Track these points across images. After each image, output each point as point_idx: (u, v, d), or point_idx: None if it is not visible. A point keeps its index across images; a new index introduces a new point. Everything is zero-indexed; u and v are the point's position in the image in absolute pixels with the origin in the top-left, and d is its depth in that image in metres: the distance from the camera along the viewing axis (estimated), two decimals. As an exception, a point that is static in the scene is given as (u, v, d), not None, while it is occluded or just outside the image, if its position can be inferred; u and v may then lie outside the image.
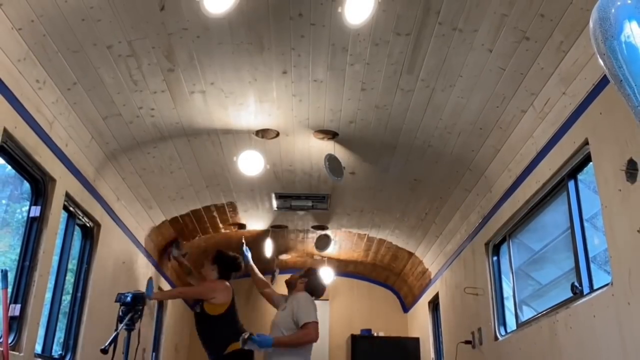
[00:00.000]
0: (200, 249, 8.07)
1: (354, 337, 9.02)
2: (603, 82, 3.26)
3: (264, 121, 4.88)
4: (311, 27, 3.70)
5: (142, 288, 6.20)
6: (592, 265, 3.79)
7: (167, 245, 7.17)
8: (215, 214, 7.01)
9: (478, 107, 4.39)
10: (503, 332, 5.32)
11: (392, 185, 6.18)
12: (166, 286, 7.81)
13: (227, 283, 5.56)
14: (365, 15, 3.41)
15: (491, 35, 3.62)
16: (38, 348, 4.13)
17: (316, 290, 5.22)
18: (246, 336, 4.56)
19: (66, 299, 4.80)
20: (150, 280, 6.56)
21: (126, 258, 5.94)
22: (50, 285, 4.33)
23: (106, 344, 3.71)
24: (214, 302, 5.35)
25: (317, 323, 4.84)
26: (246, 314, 10.03)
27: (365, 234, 7.94)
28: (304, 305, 4.92)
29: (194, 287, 6.63)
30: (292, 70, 4.14)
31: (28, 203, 4.06)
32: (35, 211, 3.99)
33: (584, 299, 3.67)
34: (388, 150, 5.33)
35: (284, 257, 9.16)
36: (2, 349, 3.39)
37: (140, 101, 4.36)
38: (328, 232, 7.96)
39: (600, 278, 3.75)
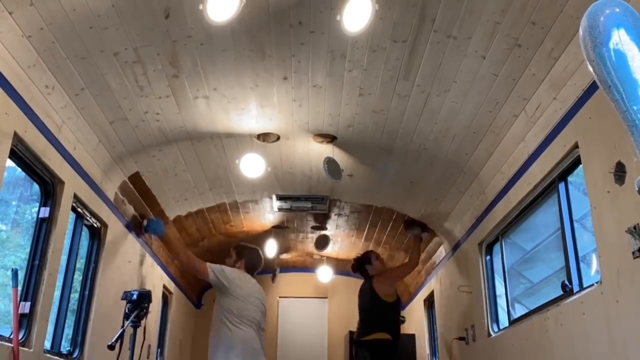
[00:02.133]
0: (203, 249, 8.07)
1: (352, 334, 9.00)
2: (592, 88, 3.26)
3: (265, 125, 4.88)
4: (311, 35, 3.70)
5: (148, 286, 6.19)
6: (581, 265, 3.79)
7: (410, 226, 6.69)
8: (218, 214, 7.01)
9: (472, 111, 4.39)
10: (496, 329, 5.31)
11: (388, 187, 6.18)
12: (167, 280, 7.80)
13: None
14: (363, 23, 3.41)
15: (484, 42, 3.62)
16: (47, 344, 4.12)
17: (255, 266, 5.01)
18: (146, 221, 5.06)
19: (74, 296, 4.80)
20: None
21: (132, 257, 5.93)
22: (59, 283, 4.32)
23: (113, 340, 3.71)
24: (392, 291, 5.81)
25: (206, 270, 4.63)
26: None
27: (362, 234, 7.94)
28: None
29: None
30: (292, 76, 4.14)
31: (37, 204, 4.05)
32: (45, 212, 3.98)
33: (573, 297, 3.66)
34: (385, 154, 5.33)
35: (284, 256, 9.16)
36: (12, 345, 3.39)
37: (145, 106, 4.36)
38: (327, 232, 7.96)
39: (589, 277, 3.75)
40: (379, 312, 5.75)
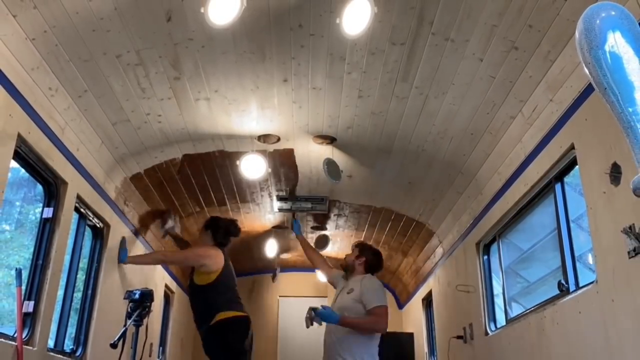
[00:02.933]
0: (205, 249, 8.06)
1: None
2: (588, 90, 3.26)
3: (265, 127, 4.88)
4: (310, 38, 3.70)
5: (150, 286, 6.18)
6: (577, 264, 3.79)
7: (158, 217, 5.98)
8: (218, 214, 6.99)
9: (469, 113, 4.39)
10: (493, 328, 5.31)
11: (387, 188, 6.18)
12: (169, 280, 7.78)
13: (220, 249, 4.94)
14: (362, 26, 3.41)
15: (482, 45, 3.62)
16: (50, 343, 4.11)
17: (377, 266, 4.56)
18: (311, 313, 3.99)
19: (77, 296, 4.80)
20: (123, 240, 5.27)
21: (134, 257, 5.91)
22: (62, 283, 4.32)
23: (115, 339, 3.70)
24: (203, 270, 4.71)
25: (387, 308, 4.15)
26: (248, 311, 10.06)
27: (362, 234, 7.94)
28: (372, 288, 4.23)
29: (178, 251, 5.67)
30: (292, 78, 4.14)
31: (41, 205, 4.05)
32: (48, 212, 3.98)
33: (570, 296, 3.66)
34: (384, 155, 5.33)
35: (284, 256, 9.15)
36: (16, 343, 3.38)
37: (147, 108, 4.36)
38: (326, 232, 7.95)
39: (585, 276, 3.75)
40: None
